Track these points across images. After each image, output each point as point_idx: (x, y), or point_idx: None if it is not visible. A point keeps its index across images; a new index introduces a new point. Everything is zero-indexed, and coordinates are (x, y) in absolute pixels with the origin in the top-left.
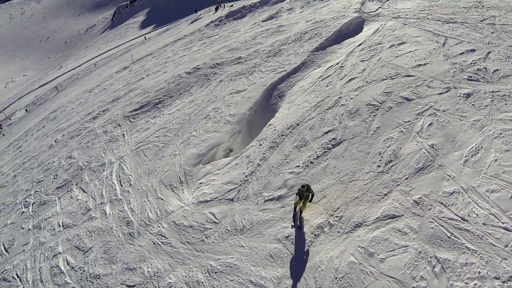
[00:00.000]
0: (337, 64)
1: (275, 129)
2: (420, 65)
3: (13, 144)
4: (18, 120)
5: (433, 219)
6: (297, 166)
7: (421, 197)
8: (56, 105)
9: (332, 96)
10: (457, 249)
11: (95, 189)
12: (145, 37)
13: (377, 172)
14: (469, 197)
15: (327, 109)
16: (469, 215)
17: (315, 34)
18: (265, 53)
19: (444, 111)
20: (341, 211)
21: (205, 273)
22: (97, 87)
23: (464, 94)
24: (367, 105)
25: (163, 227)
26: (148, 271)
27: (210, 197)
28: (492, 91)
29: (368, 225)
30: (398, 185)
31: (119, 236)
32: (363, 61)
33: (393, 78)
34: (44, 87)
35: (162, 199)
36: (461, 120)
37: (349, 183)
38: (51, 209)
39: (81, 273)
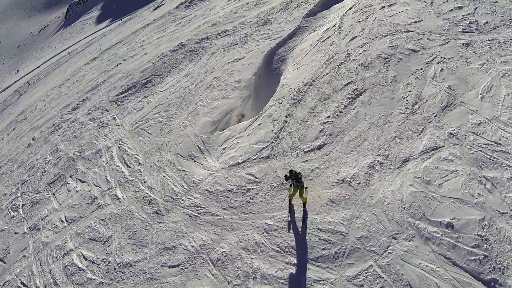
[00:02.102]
0: (333, 26)
1: (291, 88)
2: (416, 22)
3: None
4: None
5: (470, 146)
6: (328, 117)
7: (454, 129)
8: (22, 107)
9: (340, 54)
10: (499, 167)
11: (97, 176)
12: (121, 20)
13: (407, 113)
14: (495, 125)
15: (339, 65)
16: (500, 139)
17: (302, 2)
18: (253, 23)
19: (450, 58)
20: (385, 150)
21: (263, 233)
22: (67, 81)
23: (463, 43)
24: (377, 58)
25: (195, 198)
26: (193, 246)
27: (241, 159)
28: (488, 40)
29: (416, 158)
30: (429, 122)
31: (143, 217)
32: (359, 22)
33: (394, 34)
34: (3, 94)
35: (184, 170)
36: (467, 65)
37: (383, 126)
38: (46, 207)
39: (107, 265)
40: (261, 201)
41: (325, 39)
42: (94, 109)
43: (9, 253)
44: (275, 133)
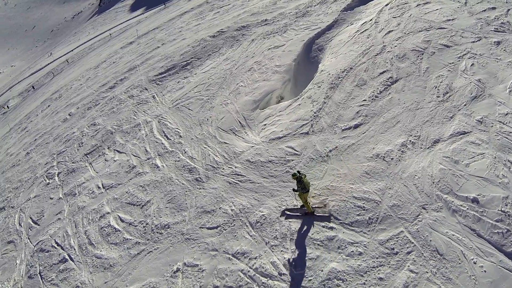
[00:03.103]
0: (370, 20)
1: (329, 73)
2: (449, 20)
3: (14, 128)
4: (12, 108)
5: (497, 133)
6: (364, 100)
7: (482, 118)
8: (57, 86)
9: (376, 45)
10: None
11: (135, 147)
12: (164, 4)
13: (438, 101)
14: None
15: (376, 55)
16: None
17: None
18: (292, 14)
19: (481, 55)
20: (417, 131)
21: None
22: (102, 63)
23: (494, 42)
24: (411, 50)
25: (236, 167)
26: (232, 209)
27: (282, 134)
28: None
29: (445, 140)
30: (459, 110)
31: (182, 184)
32: (395, 17)
33: (428, 30)
34: (36, 75)
35: (225, 143)
36: (497, 61)
37: (416, 110)
38: (82, 175)
39: (144, 227)
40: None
41: (362, 32)
42: (133, 88)
43: (43, 216)
44: (314, 112)
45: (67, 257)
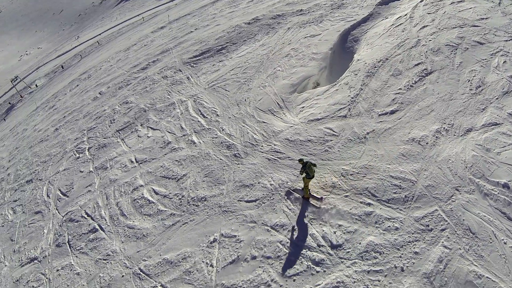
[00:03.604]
0: (405, 15)
1: (365, 63)
2: (483, 18)
3: (41, 106)
4: (39, 88)
5: None
6: (400, 89)
7: None
8: (84, 68)
9: (411, 39)
10: None
11: (170, 125)
12: None
13: (471, 94)
14: None
15: (411, 48)
16: None
17: None
18: (327, 6)
19: None
20: (451, 120)
21: (339, 176)
22: (133, 46)
23: None
24: (445, 45)
25: (275, 145)
26: (271, 184)
27: (320, 116)
28: None
29: (478, 130)
30: (491, 103)
31: (220, 159)
32: (429, 13)
33: (462, 27)
34: (63, 57)
35: (264, 122)
36: None
37: (449, 101)
38: (114, 150)
39: (180, 199)
40: (338, 150)
41: (397, 25)
42: (166, 69)
43: (73, 188)
44: (352, 98)
45: (97, 227)
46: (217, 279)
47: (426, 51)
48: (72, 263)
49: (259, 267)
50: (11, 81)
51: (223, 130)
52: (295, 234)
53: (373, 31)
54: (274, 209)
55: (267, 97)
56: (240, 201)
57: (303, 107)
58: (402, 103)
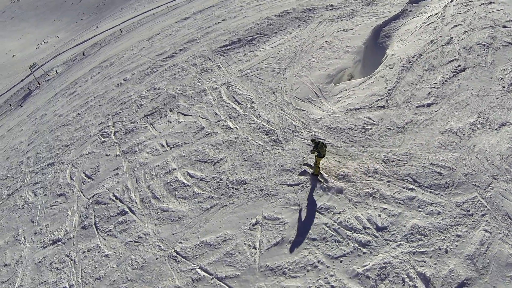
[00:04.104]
0: (436, 14)
1: (400, 57)
2: None
3: (61, 93)
4: (56, 76)
5: None
6: (435, 83)
7: None
8: (105, 56)
9: (444, 37)
10: None
11: (202, 110)
12: None
13: (504, 91)
14: None
15: (444, 45)
16: None
17: None
18: (358, 2)
19: None
20: (485, 114)
21: (381, 163)
22: (157, 35)
23: None
24: (478, 44)
25: (315, 132)
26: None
27: (358, 106)
28: None
29: (511, 125)
30: None
31: (259, 144)
32: (460, 13)
33: (493, 28)
34: (81, 45)
35: (302, 110)
36: None
37: (483, 97)
38: (142, 134)
39: (218, 182)
40: (378, 138)
41: (429, 24)
42: (195, 57)
43: (98, 171)
44: (388, 90)
45: (127, 209)
46: (261, 261)
47: (459, 49)
48: (100, 245)
49: (305, 249)
50: (29, 68)
51: (260, 116)
52: (340, 216)
53: (404, 28)
54: (317, 192)
55: (304, 86)
56: (282, 184)
57: (340, 97)
58: (438, 96)
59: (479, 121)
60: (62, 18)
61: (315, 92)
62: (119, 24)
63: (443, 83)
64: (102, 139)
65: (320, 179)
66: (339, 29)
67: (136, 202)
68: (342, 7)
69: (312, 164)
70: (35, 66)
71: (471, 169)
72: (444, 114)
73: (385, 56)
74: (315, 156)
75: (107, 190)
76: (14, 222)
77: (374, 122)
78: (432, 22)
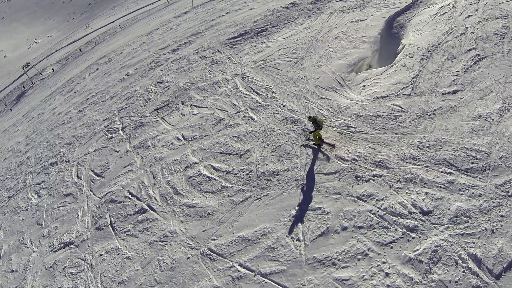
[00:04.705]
0: (448, 4)
1: (418, 47)
2: None
3: (57, 91)
4: (50, 75)
5: None
6: (457, 71)
7: None
8: (101, 53)
9: (459, 27)
10: None
11: (218, 102)
12: None
13: None
14: None
15: (460, 35)
16: None
17: None
18: None
19: None
20: (510, 100)
21: (416, 148)
22: (156, 30)
23: None
24: (493, 33)
25: (344, 120)
26: (349, 156)
27: (385, 94)
28: None
29: None
30: None
31: (287, 134)
32: (471, 4)
33: (505, 18)
34: (75, 44)
35: (327, 99)
36: None
37: (506, 84)
38: (154, 128)
39: (247, 174)
40: (410, 125)
41: (442, 14)
42: (203, 50)
43: (108, 168)
44: (412, 78)
45: (146, 207)
46: (307, 253)
47: (476, 38)
48: (119, 246)
49: (352, 237)
50: (23, 68)
51: (284, 106)
52: (384, 203)
53: (417, 19)
54: (357, 179)
55: (326, 76)
56: (318, 173)
57: (364, 85)
58: (462, 84)
59: (505, 107)
60: (53, 18)
61: (338, 81)
62: (113, 22)
63: (464, 71)
64: (109, 135)
65: (323, 150)
66: (352, 20)
67: (155, 199)
68: None
69: (311, 139)
70: (28, 65)
71: (505, 152)
72: (471, 100)
73: (403, 46)
74: (315, 131)
75: (121, 188)
76: (18, 225)
77: (403, 109)
78: (445, 12)
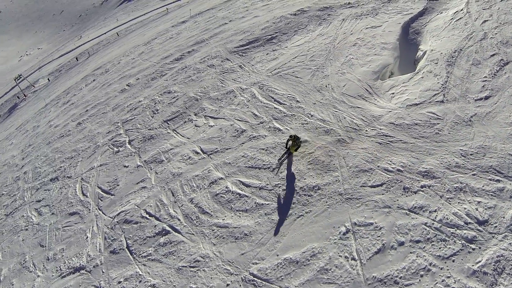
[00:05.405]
0: (461, 10)
1: (441, 53)
2: None
3: (51, 103)
4: (43, 87)
5: None
6: (485, 77)
7: None
8: (96, 64)
9: (477, 32)
10: None
11: (236, 113)
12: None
13: None
14: None
15: (481, 40)
16: None
17: None
18: (377, 0)
19: None
20: None
21: (460, 157)
22: (153, 40)
23: None
24: None
25: (380, 129)
26: (392, 167)
27: (417, 101)
28: None
29: None
30: None
31: (322, 144)
32: (484, 9)
33: None
34: (67, 56)
35: (358, 107)
36: None
37: None
38: (166, 141)
39: (284, 190)
40: (449, 133)
41: (457, 20)
42: (210, 58)
43: (118, 185)
44: (442, 85)
45: (168, 228)
46: (366, 273)
47: (496, 43)
48: (140, 272)
49: (411, 252)
50: (15, 80)
51: (312, 116)
52: (438, 214)
53: (433, 25)
54: (405, 191)
55: (352, 83)
56: (364, 186)
57: (393, 93)
58: (492, 89)
59: None
60: (44, 30)
61: (366, 89)
62: (105, 33)
63: (492, 76)
64: (116, 149)
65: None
66: (367, 26)
67: (178, 219)
68: (361, 5)
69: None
70: (20, 77)
71: None
72: (504, 106)
73: (423, 52)
74: (293, 146)
75: (135, 207)
76: (18, 246)
77: (439, 117)
78: (460, 18)
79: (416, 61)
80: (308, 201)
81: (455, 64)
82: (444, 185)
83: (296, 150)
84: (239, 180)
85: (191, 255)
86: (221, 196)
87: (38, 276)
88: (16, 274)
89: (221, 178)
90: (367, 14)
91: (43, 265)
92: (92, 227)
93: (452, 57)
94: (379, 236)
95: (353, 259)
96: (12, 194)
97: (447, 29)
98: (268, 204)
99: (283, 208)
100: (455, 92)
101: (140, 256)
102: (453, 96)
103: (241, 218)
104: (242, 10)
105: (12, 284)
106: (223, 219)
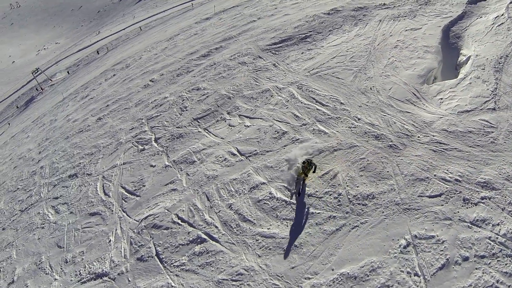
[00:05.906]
0: (502, 15)
1: (487, 58)
2: None
3: (69, 97)
4: (60, 81)
5: None
6: None
7: None
8: (115, 59)
9: None
10: None
11: (275, 113)
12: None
13: None
14: None
15: None
16: None
17: None
18: (412, 1)
19: None
20: None
21: None
22: (177, 36)
23: None
24: None
25: (433, 136)
26: (450, 176)
27: (469, 108)
28: None
29: None
30: None
31: (373, 150)
32: None
33: None
34: (85, 51)
35: (407, 112)
36: None
37: None
38: (197, 141)
39: (336, 198)
40: (505, 142)
41: (499, 25)
42: (241, 55)
43: (144, 186)
44: (492, 91)
45: (203, 236)
46: None
47: None
48: (172, 284)
49: (476, 268)
50: (32, 73)
51: (359, 119)
52: (501, 228)
53: (474, 29)
54: (466, 203)
55: (398, 87)
56: (422, 196)
57: (441, 98)
58: None
59: None
60: (62, 25)
61: (413, 93)
62: (124, 29)
63: None
64: (140, 147)
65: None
66: (407, 28)
67: (215, 226)
68: (397, 6)
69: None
70: (37, 71)
71: None
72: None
73: (466, 57)
74: (308, 171)
75: (166, 211)
76: (33, 245)
77: (493, 125)
78: (502, 23)
79: (458, 66)
80: (363, 210)
81: (503, 71)
82: (505, 197)
83: (313, 173)
84: (284, 186)
85: (232, 267)
86: (265, 203)
87: (55, 279)
88: (31, 275)
89: (263, 183)
90: (405, 16)
91: (61, 268)
92: (116, 230)
93: (499, 63)
94: (442, 250)
95: (416, 274)
96: (28, 189)
97: (490, 34)
98: (319, 213)
99: (335, 217)
100: (506, 100)
101: (172, 265)
102: (505, 103)
103: (289, 227)
104: (271, 8)
105: (27, 286)
106: (268, 228)
